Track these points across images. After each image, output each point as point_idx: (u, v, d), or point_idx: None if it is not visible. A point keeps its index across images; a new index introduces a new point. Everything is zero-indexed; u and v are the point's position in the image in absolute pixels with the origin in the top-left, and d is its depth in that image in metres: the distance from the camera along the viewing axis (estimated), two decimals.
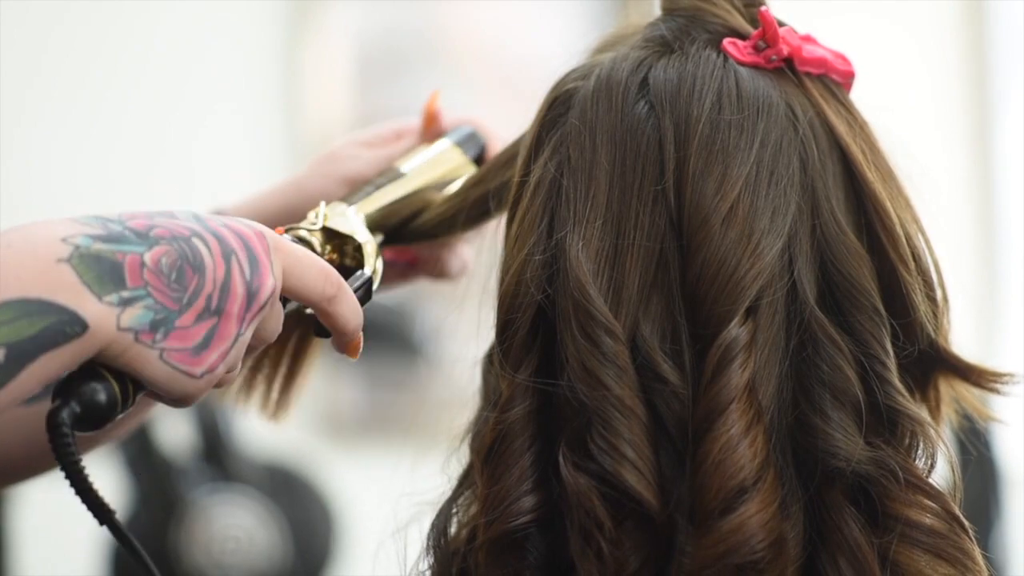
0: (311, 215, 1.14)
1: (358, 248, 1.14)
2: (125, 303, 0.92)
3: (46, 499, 2.93)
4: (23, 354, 0.89)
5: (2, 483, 1.28)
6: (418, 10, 3.80)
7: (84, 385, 0.94)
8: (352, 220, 1.15)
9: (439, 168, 1.25)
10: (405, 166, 1.24)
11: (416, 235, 1.23)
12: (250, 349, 1.01)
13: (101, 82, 3.64)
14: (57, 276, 0.91)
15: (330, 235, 1.13)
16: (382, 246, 1.20)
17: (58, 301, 0.90)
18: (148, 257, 0.94)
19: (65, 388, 0.94)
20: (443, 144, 1.27)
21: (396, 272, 1.32)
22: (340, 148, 1.30)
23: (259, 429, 2.80)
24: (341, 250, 1.14)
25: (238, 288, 0.96)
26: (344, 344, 1.06)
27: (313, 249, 1.11)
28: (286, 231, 1.10)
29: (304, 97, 3.72)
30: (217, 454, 2.64)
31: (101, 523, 0.96)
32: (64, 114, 3.62)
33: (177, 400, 0.97)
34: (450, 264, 1.32)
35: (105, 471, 2.68)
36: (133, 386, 0.95)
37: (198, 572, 2.58)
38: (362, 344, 1.07)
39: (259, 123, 3.67)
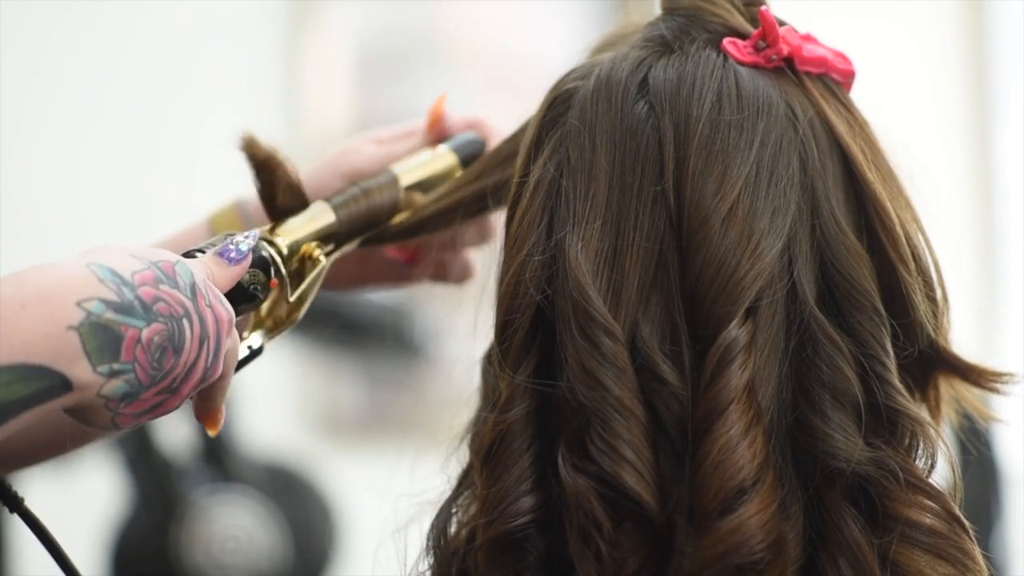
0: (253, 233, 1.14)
1: (310, 258, 1.16)
2: (112, 375, 0.96)
3: (46, 499, 2.94)
4: (9, 412, 0.92)
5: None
6: (418, 10, 3.80)
7: None
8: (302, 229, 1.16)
9: (428, 169, 1.25)
10: (397, 167, 1.24)
11: (396, 234, 1.23)
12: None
13: (101, 82, 3.63)
14: (63, 344, 0.94)
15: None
16: (364, 245, 1.21)
17: (56, 367, 0.93)
18: (145, 334, 0.97)
19: None
20: (440, 149, 1.28)
21: (394, 272, 1.32)
22: (349, 144, 1.31)
23: (259, 429, 2.80)
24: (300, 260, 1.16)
25: (197, 375, 1.00)
26: (205, 412, 1.07)
27: (281, 255, 1.12)
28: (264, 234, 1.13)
29: (304, 97, 3.72)
30: (217, 454, 2.64)
31: (11, 511, 1.02)
32: (64, 114, 3.61)
33: (94, 430, 1.02)
34: (453, 267, 1.32)
35: (105, 471, 2.68)
36: None
37: (198, 572, 2.58)
38: (220, 423, 1.09)
39: (259, 123, 3.65)
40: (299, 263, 1.16)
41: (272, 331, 1.15)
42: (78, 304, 0.94)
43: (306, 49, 3.74)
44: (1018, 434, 1.82)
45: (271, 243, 1.13)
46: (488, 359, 1.10)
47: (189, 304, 0.99)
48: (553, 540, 1.02)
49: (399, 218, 1.23)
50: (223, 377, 1.04)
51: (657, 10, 1.11)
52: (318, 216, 1.18)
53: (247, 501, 2.63)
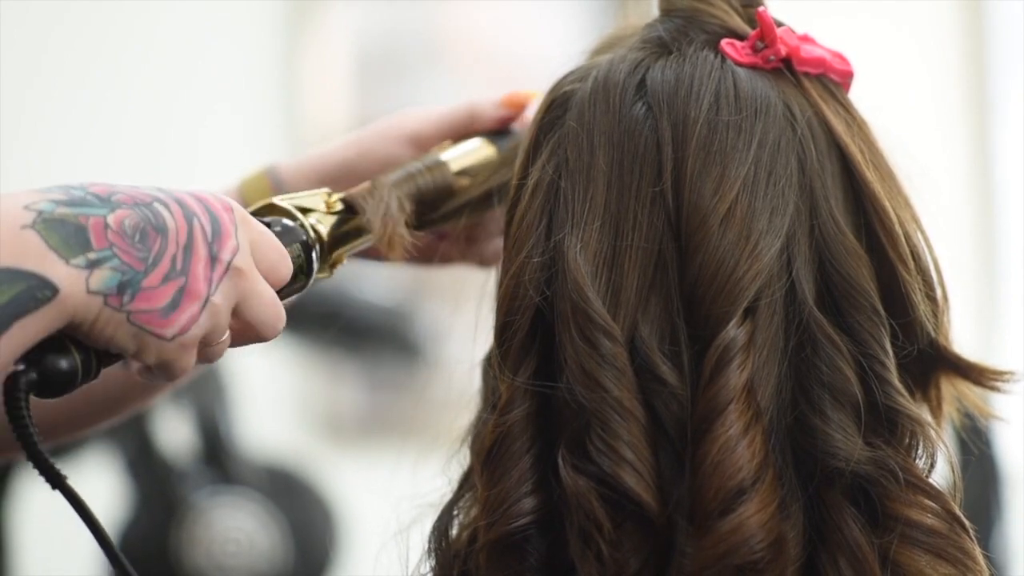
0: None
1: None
2: (92, 265, 0.92)
3: (46, 499, 2.94)
4: None
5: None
6: (418, 11, 3.80)
7: (47, 354, 0.94)
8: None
9: (473, 157, 1.25)
10: (443, 153, 1.24)
11: (440, 219, 1.22)
12: (243, 338, 1.01)
13: (101, 82, 3.64)
14: (23, 242, 0.90)
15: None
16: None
17: (26, 267, 0.90)
18: (111, 219, 0.93)
19: (27, 355, 0.94)
20: (482, 142, 1.27)
21: (426, 250, 1.30)
22: (408, 110, 1.30)
23: (260, 431, 2.80)
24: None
25: (200, 249, 0.96)
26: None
27: (320, 239, 1.10)
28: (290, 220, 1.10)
29: (304, 98, 3.72)
30: (218, 456, 2.64)
31: (53, 487, 0.97)
32: (64, 115, 3.61)
33: (160, 369, 0.97)
34: (485, 250, 1.31)
35: (105, 473, 2.68)
36: (97, 359, 0.96)
37: (199, 574, 2.58)
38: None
39: (259, 124, 3.67)
40: (345, 234, 1.14)
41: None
42: (26, 207, 0.92)
43: (306, 50, 3.74)
44: (1019, 433, 1.81)
45: (311, 226, 1.10)
46: (488, 361, 1.10)
47: (156, 193, 0.96)
48: (554, 541, 1.02)
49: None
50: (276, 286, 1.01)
51: (655, 11, 1.11)
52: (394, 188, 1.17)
53: (248, 503, 2.63)
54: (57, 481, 0.96)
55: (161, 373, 0.98)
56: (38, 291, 0.90)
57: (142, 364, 0.97)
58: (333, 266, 1.13)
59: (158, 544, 2.59)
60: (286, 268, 1.02)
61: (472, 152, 1.25)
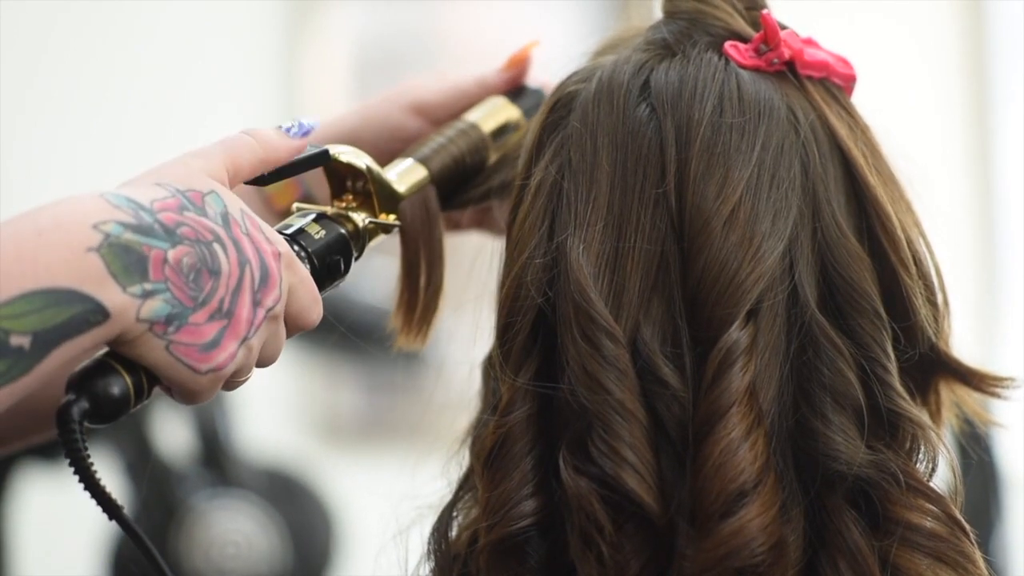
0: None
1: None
2: (146, 295, 0.93)
3: (46, 499, 2.93)
4: (48, 342, 0.91)
5: (34, 435, 1.29)
6: (418, 12, 3.80)
7: (97, 380, 0.95)
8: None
9: (498, 118, 1.24)
10: (471, 116, 1.23)
11: (483, 189, 1.22)
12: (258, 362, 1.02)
13: (101, 83, 3.64)
14: (86, 266, 0.92)
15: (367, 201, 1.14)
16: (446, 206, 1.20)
17: (84, 290, 0.91)
18: (171, 255, 0.95)
19: (78, 383, 0.95)
20: (502, 100, 1.26)
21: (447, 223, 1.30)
22: (415, 79, 1.30)
23: (259, 434, 2.80)
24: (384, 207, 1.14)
25: (246, 295, 0.97)
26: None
27: (355, 224, 1.11)
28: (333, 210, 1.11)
29: (304, 99, 3.72)
30: (217, 459, 2.64)
31: (110, 518, 0.97)
32: (64, 115, 3.61)
33: (185, 396, 0.98)
34: (495, 219, 1.30)
35: (104, 476, 2.68)
36: (148, 381, 0.96)
37: None
38: None
39: (259, 124, 3.66)
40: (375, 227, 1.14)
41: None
42: (95, 227, 0.93)
43: (306, 51, 3.74)
44: (1019, 438, 1.81)
45: (347, 218, 1.11)
46: (489, 362, 1.10)
47: (220, 231, 0.97)
48: (555, 543, 1.02)
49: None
50: (305, 328, 1.02)
51: (658, 13, 1.11)
52: (409, 173, 1.17)
53: (247, 506, 2.62)
54: (115, 512, 0.97)
55: (185, 400, 0.99)
56: (91, 315, 0.92)
57: (175, 391, 0.98)
58: (389, 228, 1.14)
59: (157, 547, 2.58)
60: (317, 313, 1.03)
61: (499, 110, 1.25)
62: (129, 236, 0.94)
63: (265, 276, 0.98)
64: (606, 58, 1.10)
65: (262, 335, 0.99)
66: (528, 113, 1.25)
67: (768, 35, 1.07)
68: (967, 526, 1.02)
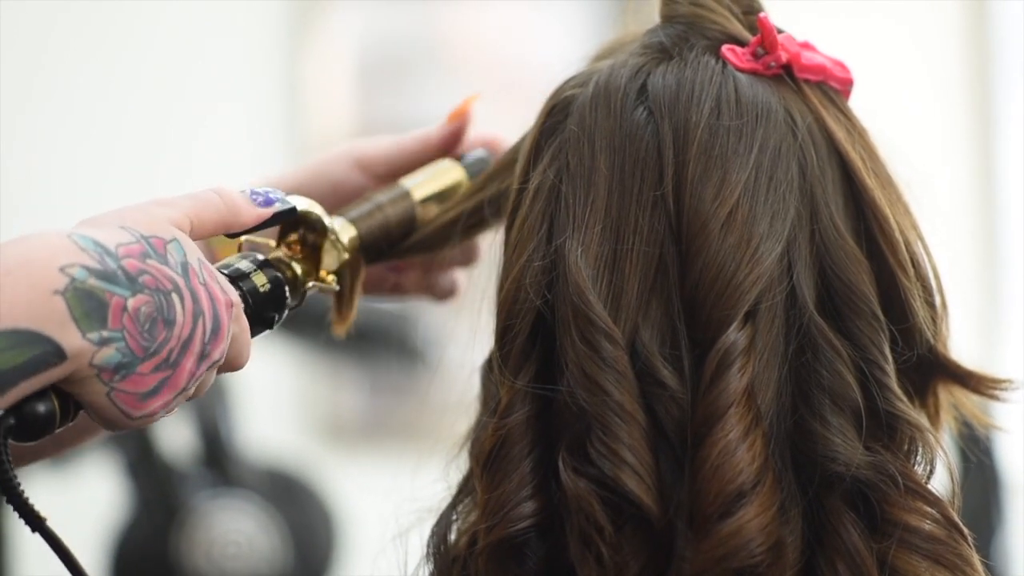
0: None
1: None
2: (103, 343, 0.95)
3: (47, 504, 2.94)
4: (6, 383, 0.92)
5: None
6: (420, 16, 3.80)
7: (27, 402, 0.96)
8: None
9: (439, 183, 1.25)
10: (407, 181, 1.24)
11: (412, 249, 1.23)
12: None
13: (101, 86, 3.64)
14: (50, 309, 0.93)
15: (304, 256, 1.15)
16: (374, 262, 1.21)
17: (48, 334, 0.93)
18: (131, 303, 0.96)
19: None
20: (448, 163, 1.27)
21: (386, 283, 1.32)
22: (362, 139, 1.31)
23: (260, 434, 2.80)
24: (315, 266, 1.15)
25: (196, 346, 0.99)
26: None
27: (295, 275, 1.12)
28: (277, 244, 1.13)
29: (306, 103, 3.72)
30: (218, 459, 2.64)
31: (33, 530, 0.99)
32: (64, 117, 3.62)
33: (108, 428, 1.00)
34: (440, 284, 1.33)
35: (106, 476, 2.68)
36: (76, 405, 0.98)
37: None
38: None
39: (261, 128, 3.67)
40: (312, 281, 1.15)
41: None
42: (61, 270, 0.94)
43: (308, 55, 3.74)
44: (1018, 441, 1.82)
45: (289, 267, 1.12)
46: (488, 364, 1.10)
47: (179, 280, 0.99)
48: (554, 545, 1.02)
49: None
50: (235, 370, 1.04)
51: (656, 17, 1.11)
52: (344, 232, 1.18)
53: (248, 506, 2.63)
54: (37, 524, 0.98)
55: (105, 428, 1.01)
56: (52, 357, 0.94)
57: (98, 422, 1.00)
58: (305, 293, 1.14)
59: (158, 547, 2.59)
60: (245, 358, 1.05)
61: (439, 175, 1.26)
62: (93, 282, 0.95)
63: (216, 329, 1.00)
64: (603, 62, 1.10)
65: (201, 383, 1.01)
66: (472, 175, 1.26)
67: (765, 38, 1.07)
68: (964, 529, 1.03)
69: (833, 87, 1.10)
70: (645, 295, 1.03)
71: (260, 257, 1.10)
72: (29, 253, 0.94)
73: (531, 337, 1.04)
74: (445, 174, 1.26)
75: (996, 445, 2.13)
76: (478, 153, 1.29)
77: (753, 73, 1.07)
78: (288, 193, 1.14)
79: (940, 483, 1.04)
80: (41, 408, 0.96)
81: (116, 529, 2.64)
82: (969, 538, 1.02)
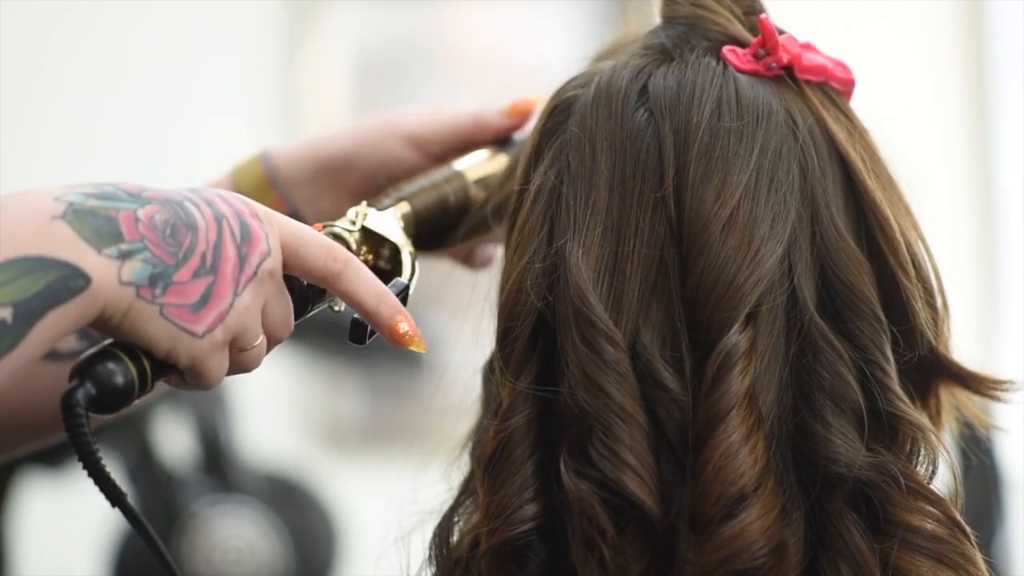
0: (350, 213, 1.13)
1: (395, 252, 1.13)
2: (124, 256, 0.92)
3: (46, 500, 2.93)
4: (30, 312, 0.89)
5: (27, 442, 1.26)
6: (417, 17, 3.80)
7: (101, 366, 0.93)
8: (390, 223, 1.13)
9: (492, 166, 1.24)
10: (460, 164, 1.23)
11: (472, 233, 1.22)
12: (270, 344, 1.01)
13: (101, 86, 3.64)
14: (54, 233, 0.90)
15: (367, 236, 1.12)
16: (421, 249, 1.19)
17: (59, 256, 0.90)
18: (142, 213, 0.93)
19: (82, 369, 0.94)
20: (493, 152, 1.26)
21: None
22: (411, 109, 1.29)
23: (260, 439, 2.80)
24: (377, 252, 1.13)
25: (229, 250, 0.96)
26: (382, 325, 1.04)
27: (348, 247, 1.10)
28: (323, 228, 1.10)
29: (303, 104, 3.72)
30: (218, 464, 2.64)
31: (113, 505, 0.96)
32: (63, 120, 3.61)
33: (191, 372, 0.97)
34: (479, 253, 1.30)
35: (110, 465, 2.68)
36: (152, 370, 0.95)
37: None
38: (416, 333, 1.05)
39: (258, 130, 3.67)
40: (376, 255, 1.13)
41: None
42: (56, 199, 0.91)
43: (306, 56, 3.74)
44: (1019, 441, 1.82)
45: (341, 238, 1.10)
46: (489, 367, 1.10)
47: (187, 193, 0.96)
48: (556, 547, 1.02)
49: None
50: (339, 274, 1.00)
51: (657, 18, 1.11)
52: (410, 203, 1.17)
53: (248, 511, 2.62)
54: (119, 501, 0.96)
55: (195, 377, 0.97)
56: (71, 280, 0.90)
57: (175, 368, 0.97)
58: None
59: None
60: (340, 258, 1.01)
61: (485, 162, 1.25)
62: (93, 202, 0.92)
63: (246, 232, 0.97)
64: (605, 63, 1.10)
65: (255, 292, 0.97)
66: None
67: (766, 40, 1.07)
68: (967, 528, 1.02)
69: (834, 88, 1.09)
70: (646, 297, 1.03)
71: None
72: (22, 193, 0.92)
73: (532, 339, 1.04)
74: (494, 160, 1.25)
75: (996, 445, 2.13)
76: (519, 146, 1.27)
77: (754, 74, 1.07)
78: (330, 161, 1.13)
79: (942, 483, 1.04)
80: (119, 376, 0.93)
81: (116, 536, 2.64)
82: (972, 537, 1.02)
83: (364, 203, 1.14)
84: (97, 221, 0.91)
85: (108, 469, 0.95)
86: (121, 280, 0.92)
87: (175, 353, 0.95)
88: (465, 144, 1.27)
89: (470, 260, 1.30)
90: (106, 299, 0.92)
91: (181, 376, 0.98)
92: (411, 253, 1.13)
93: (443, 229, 1.21)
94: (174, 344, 0.95)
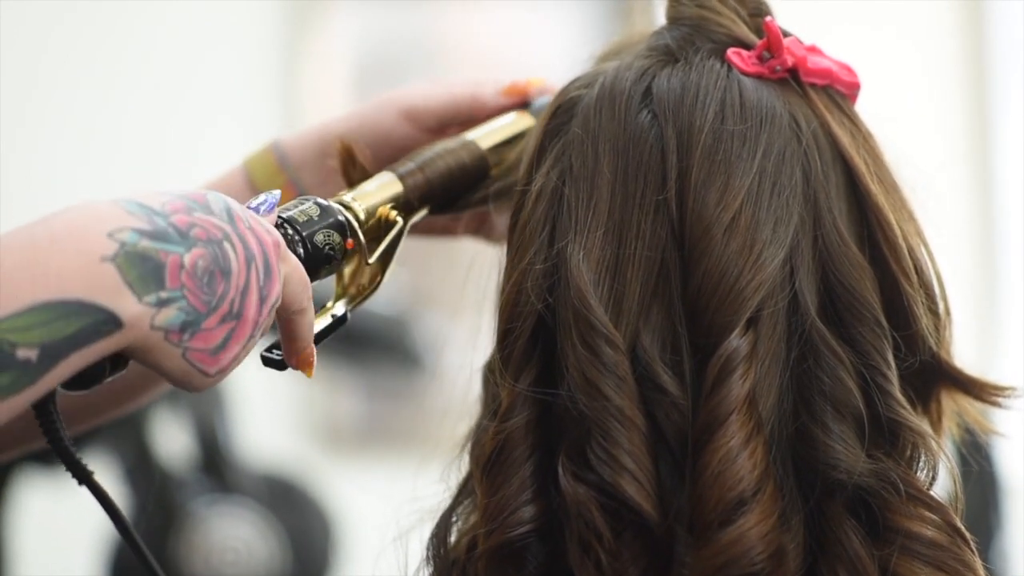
0: (364, 186, 1.14)
1: (387, 220, 1.14)
2: (162, 304, 0.93)
3: (46, 506, 2.93)
4: (57, 353, 0.89)
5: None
6: (418, 18, 3.80)
7: None
8: (376, 195, 1.14)
9: (508, 131, 1.23)
10: (471, 134, 1.22)
11: (501, 194, 1.20)
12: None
13: (101, 89, 3.64)
14: (100, 276, 0.91)
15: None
16: (434, 212, 1.19)
17: (97, 302, 0.91)
18: (187, 259, 0.94)
19: None
20: (513, 115, 1.25)
21: (437, 227, 1.30)
22: (412, 85, 1.30)
23: (258, 440, 2.80)
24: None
25: (253, 295, 0.97)
26: (293, 353, 1.05)
27: (357, 219, 1.11)
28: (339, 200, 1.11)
29: (303, 104, 3.72)
30: (216, 465, 2.64)
31: (80, 483, 0.97)
32: (63, 120, 3.62)
33: (186, 389, 0.98)
34: (496, 227, 1.29)
35: (103, 482, 2.68)
36: (125, 358, 0.96)
37: None
38: (314, 362, 1.07)
39: (258, 130, 3.66)
40: (377, 227, 1.14)
41: (356, 298, 1.13)
42: (109, 235, 0.92)
43: (306, 57, 3.74)
44: (1019, 447, 1.81)
45: (347, 207, 1.11)
46: (489, 368, 1.10)
47: (227, 227, 0.97)
48: (553, 550, 1.02)
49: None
50: (299, 313, 1.02)
51: (661, 19, 1.11)
52: (388, 183, 1.16)
53: (246, 512, 2.62)
54: (84, 476, 0.97)
55: (182, 389, 0.99)
56: (104, 325, 0.91)
57: (176, 384, 0.98)
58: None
59: (156, 553, 2.58)
60: (306, 300, 1.03)
61: (505, 127, 1.24)
62: (146, 244, 0.93)
63: (268, 271, 0.98)
64: (609, 64, 1.10)
65: (264, 328, 0.99)
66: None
67: (771, 42, 1.07)
68: (968, 535, 1.02)
69: (839, 91, 1.09)
70: (647, 300, 1.02)
71: (321, 201, 1.09)
72: (76, 221, 0.92)
73: (532, 340, 1.04)
74: (512, 124, 1.24)
75: (996, 451, 2.13)
76: (546, 100, 1.24)
77: (758, 77, 1.07)
78: (335, 143, 1.16)
79: (942, 489, 1.04)
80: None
81: (113, 536, 2.64)
82: (972, 543, 1.02)
83: (381, 174, 1.15)
84: (146, 266, 0.92)
85: (74, 448, 0.96)
86: (153, 325, 0.93)
87: (181, 384, 0.97)
88: (462, 119, 1.27)
89: (485, 231, 1.30)
90: (134, 339, 0.93)
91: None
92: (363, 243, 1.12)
93: (461, 189, 1.20)
94: (186, 379, 0.96)
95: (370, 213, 1.13)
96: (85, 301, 0.90)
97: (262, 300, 0.98)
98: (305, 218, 1.07)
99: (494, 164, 1.21)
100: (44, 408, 0.95)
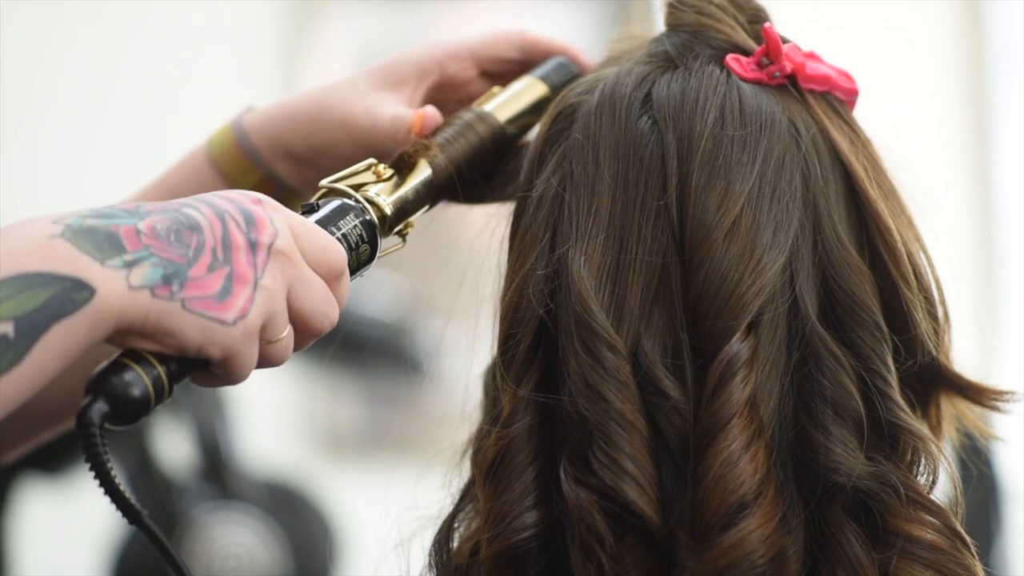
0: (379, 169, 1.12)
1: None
2: (130, 265, 0.91)
3: (48, 513, 2.93)
4: (34, 327, 0.88)
5: (41, 432, 1.25)
6: (417, 19, 3.80)
7: (115, 378, 0.92)
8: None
9: (521, 103, 1.20)
10: (487, 105, 1.19)
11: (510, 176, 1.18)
12: (299, 335, 1.00)
13: (100, 86, 3.64)
14: (53, 250, 0.89)
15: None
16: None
17: (58, 271, 0.89)
18: (143, 225, 0.93)
19: (95, 384, 0.93)
20: (525, 81, 1.22)
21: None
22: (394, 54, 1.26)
23: (259, 446, 2.80)
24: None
25: (237, 239, 0.96)
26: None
27: (377, 206, 1.09)
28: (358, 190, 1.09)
29: None
30: (217, 472, 2.64)
31: (131, 523, 0.95)
32: (63, 119, 3.61)
33: (224, 365, 0.96)
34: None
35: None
36: (169, 376, 0.93)
37: None
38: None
39: None
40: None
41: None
42: (54, 222, 0.91)
43: (305, 58, 3.75)
44: (1018, 451, 1.82)
45: (373, 204, 1.09)
46: (490, 373, 1.10)
47: (184, 200, 0.96)
48: (556, 555, 1.02)
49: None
50: (338, 282, 1.00)
51: (661, 25, 1.11)
52: (443, 152, 1.14)
53: (247, 518, 2.62)
54: (135, 517, 0.95)
55: (227, 371, 0.96)
56: (73, 292, 0.89)
57: (208, 363, 0.96)
58: (404, 234, 1.12)
59: (158, 560, 2.58)
60: (338, 252, 1.01)
61: (519, 95, 1.21)
62: (92, 221, 0.91)
63: (250, 218, 0.97)
64: (609, 70, 1.10)
65: (274, 275, 0.97)
66: (556, 89, 1.19)
67: (770, 48, 1.07)
68: (968, 539, 1.02)
69: (838, 97, 1.10)
70: (647, 305, 1.03)
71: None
72: (17, 223, 0.91)
73: (533, 346, 1.04)
74: (525, 93, 1.21)
75: (996, 455, 2.13)
76: (552, 62, 1.24)
77: (757, 83, 1.07)
78: (296, 115, 1.16)
79: (943, 492, 1.04)
80: (135, 389, 0.92)
81: (115, 543, 2.64)
82: (972, 547, 1.02)
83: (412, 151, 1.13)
84: (97, 236, 0.91)
85: (124, 487, 0.94)
86: (131, 285, 0.91)
87: (209, 346, 0.94)
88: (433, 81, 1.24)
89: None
90: (119, 307, 0.91)
91: (206, 372, 0.97)
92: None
93: (484, 164, 1.17)
94: (207, 337, 0.94)
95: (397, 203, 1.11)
96: (44, 272, 0.88)
97: (252, 243, 0.96)
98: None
99: (511, 135, 1.18)
100: (90, 439, 0.92)
